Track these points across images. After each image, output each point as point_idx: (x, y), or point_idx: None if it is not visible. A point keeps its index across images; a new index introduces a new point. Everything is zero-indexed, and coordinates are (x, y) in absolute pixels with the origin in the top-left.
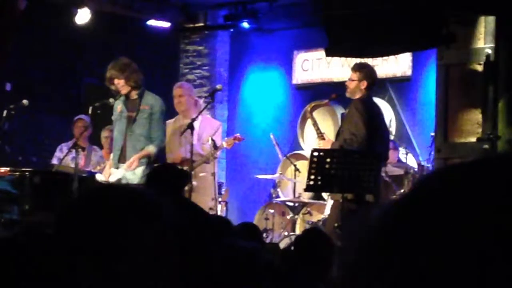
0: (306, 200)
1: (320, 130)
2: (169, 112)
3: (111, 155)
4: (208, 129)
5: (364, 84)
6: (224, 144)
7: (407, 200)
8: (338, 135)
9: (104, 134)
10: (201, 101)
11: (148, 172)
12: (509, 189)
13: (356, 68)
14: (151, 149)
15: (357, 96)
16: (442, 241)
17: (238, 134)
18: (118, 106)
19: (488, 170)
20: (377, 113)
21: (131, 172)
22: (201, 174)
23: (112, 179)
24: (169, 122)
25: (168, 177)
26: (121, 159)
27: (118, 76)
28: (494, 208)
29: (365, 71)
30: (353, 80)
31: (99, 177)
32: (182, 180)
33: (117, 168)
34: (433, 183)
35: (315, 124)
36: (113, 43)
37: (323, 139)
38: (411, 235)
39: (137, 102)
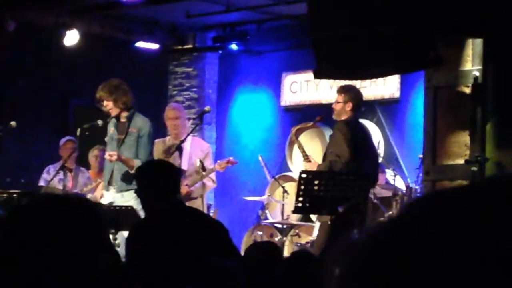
0: (295, 222)
1: (306, 153)
2: (159, 133)
3: (103, 173)
4: (198, 152)
5: (349, 106)
6: (217, 167)
7: (391, 229)
8: (324, 157)
9: (93, 153)
10: (189, 122)
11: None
12: (498, 220)
13: (342, 90)
14: (136, 162)
15: (343, 117)
16: (423, 272)
17: (231, 158)
18: (111, 128)
19: (476, 199)
20: (363, 135)
21: (119, 195)
22: (190, 196)
23: (103, 201)
24: (158, 141)
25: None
26: (111, 181)
27: (106, 98)
28: (481, 239)
29: (350, 93)
30: (338, 102)
31: (90, 198)
32: (174, 176)
33: (108, 190)
34: (418, 212)
35: (300, 146)
36: (101, 65)
37: (309, 161)
38: (393, 265)
39: (126, 125)
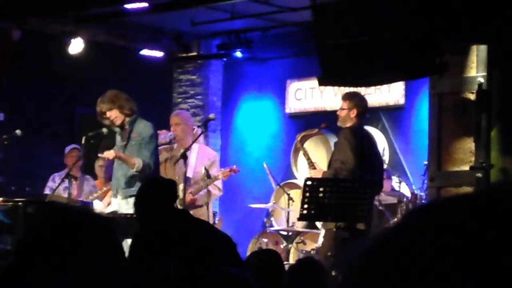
0: (300, 229)
1: (311, 160)
2: None
3: (112, 180)
4: (204, 160)
5: (354, 113)
6: (220, 176)
7: (394, 235)
8: (330, 164)
9: (99, 163)
10: (197, 128)
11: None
12: (500, 230)
13: (346, 97)
14: (137, 160)
15: (348, 124)
16: (425, 279)
17: (234, 166)
18: (118, 137)
19: (476, 212)
20: (368, 141)
21: (124, 202)
22: (195, 203)
23: (109, 209)
24: (162, 148)
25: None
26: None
27: (109, 107)
28: (480, 253)
29: (355, 100)
30: (343, 109)
31: (98, 205)
32: (171, 192)
33: (116, 197)
34: (421, 219)
35: (305, 154)
36: (106, 73)
37: (314, 168)
38: (392, 276)
39: (128, 130)
